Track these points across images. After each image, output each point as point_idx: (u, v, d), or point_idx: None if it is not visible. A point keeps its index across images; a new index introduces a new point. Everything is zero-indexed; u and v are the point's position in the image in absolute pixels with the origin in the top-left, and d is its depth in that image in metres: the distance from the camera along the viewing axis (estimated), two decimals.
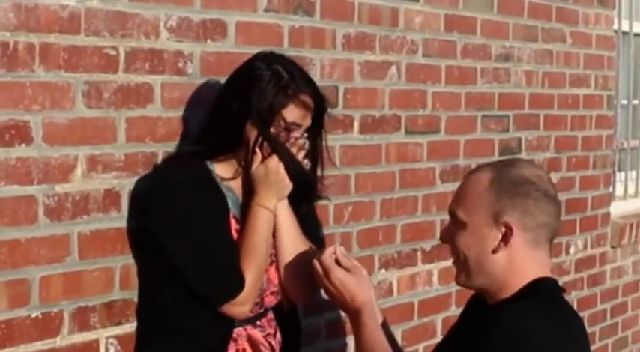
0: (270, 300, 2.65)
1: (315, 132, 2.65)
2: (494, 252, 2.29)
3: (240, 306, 2.51)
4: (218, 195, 2.56)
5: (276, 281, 2.65)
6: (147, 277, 2.65)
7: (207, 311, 2.50)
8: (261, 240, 2.55)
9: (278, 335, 2.71)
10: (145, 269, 2.65)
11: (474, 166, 4.04)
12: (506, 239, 2.28)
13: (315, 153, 2.66)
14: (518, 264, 2.29)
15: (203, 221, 2.50)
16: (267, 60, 2.60)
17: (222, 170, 2.60)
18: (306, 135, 2.61)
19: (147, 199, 2.60)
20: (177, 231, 2.48)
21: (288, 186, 2.59)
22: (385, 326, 2.59)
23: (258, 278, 2.53)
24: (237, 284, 2.49)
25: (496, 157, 4.19)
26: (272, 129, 2.55)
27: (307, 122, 2.60)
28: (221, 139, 2.58)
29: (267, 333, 2.66)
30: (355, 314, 2.49)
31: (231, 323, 2.56)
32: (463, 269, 2.34)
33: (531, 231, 2.28)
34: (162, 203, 2.53)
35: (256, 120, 2.53)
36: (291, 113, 2.55)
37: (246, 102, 2.53)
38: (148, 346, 2.63)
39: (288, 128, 2.57)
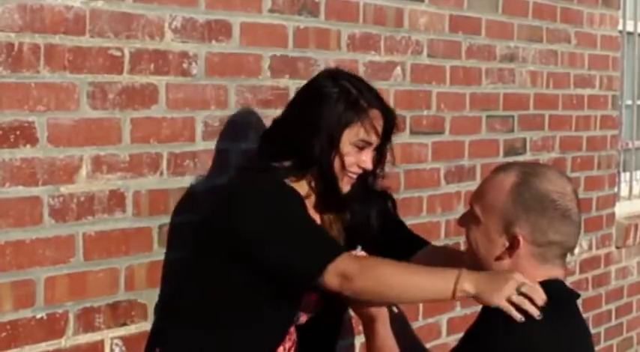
0: (303, 319, 2.62)
1: (383, 146, 2.61)
2: (497, 259, 2.29)
3: (349, 281, 2.34)
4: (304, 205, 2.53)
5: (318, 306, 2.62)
6: (208, 275, 2.56)
7: (270, 307, 2.48)
8: (416, 281, 2.36)
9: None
10: (209, 267, 2.56)
11: (479, 167, 4.06)
12: (511, 250, 2.27)
13: (381, 163, 2.62)
14: (522, 272, 2.27)
15: (298, 213, 2.46)
16: (334, 77, 2.57)
17: (298, 188, 2.56)
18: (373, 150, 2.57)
19: (232, 200, 2.51)
20: (268, 225, 2.42)
21: (501, 291, 2.24)
22: (405, 323, 2.59)
23: (379, 275, 2.36)
24: (338, 249, 2.40)
25: (501, 158, 4.18)
26: (341, 148, 2.51)
27: (376, 139, 2.56)
28: (293, 160, 2.54)
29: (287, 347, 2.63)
30: (369, 322, 2.49)
31: (290, 319, 2.54)
32: (473, 258, 2.35)
33: (541, 246, 2.26)
34: (250, 201, 2.47)
35: (325, 139, 2.49)
36: (361, 130, 2.52)
37: (315, 121, 2.49)
38: (187, 342, 2.55)
39: (358, 146, 2.53)
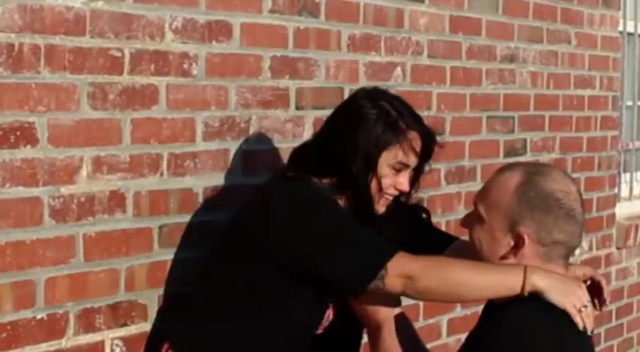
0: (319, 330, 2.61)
1: (421, 166, 2.58)
2: (502, 258, 2.28)
3: (413, 281, 2.31)
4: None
5: (331, 317, 2.60)
6: (233, 278, 2.51)
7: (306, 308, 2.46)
8: (484, 278, 2.29)
9: None
10: (236, 271, 2.50)
11: (479, 168, 4.06)
12: (516, 249, 2.27)
13: (416, 184, 2.59)
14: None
15: (345, 218, 2.43)
16: (372, 97, 2.54)
17: None
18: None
19: (275, 209, 2.45)
20: (317, 233, 2.38)
21: (573, 295, 2.24)
22: (409, 324, 2.59)
23: (446, 274, 2.33)
24: (393, 249, 2.35)
25: (501, 159, 4.18)
26: (379, 170, 2.48)
27: (415, 161, 2.53)
28: (331, 178, 2.50)
29: None
30: (375, 329, 2.49)
31: (317, 324, 2.52)
32: (476, 258, 2.34)
33: (545, 246, 2.27)
34: (295, 209, 2.42)
35: (363, 160, 2.46)
36: (399, 153, 2.49)
37: (353, 142, 2.46)
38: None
39: (395, 168, 2.50)
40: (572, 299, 2.22)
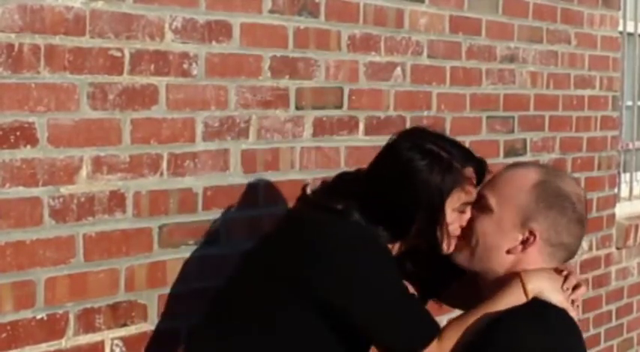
0: None
1: None
2: (508, 252, 2.29)
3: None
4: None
5: None
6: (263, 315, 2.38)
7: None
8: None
9: None
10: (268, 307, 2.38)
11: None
12: (526, 244, 2.28)
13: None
14: (523, 268, 2.28)
15: (398, 281, 2.37)
16: (416, 143, 2.40)
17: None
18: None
19: (323, 252, 2.32)
20: (368, 291, 2.30)
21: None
22: None
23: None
24: (435, 328, 2.35)
25: (501, 159, 4.18)
26: (447, 219, 2.36)
27: (475, 195, 2.42)
28: (386, 229, 2.38)
29: None
30: None
31: None
32: (469, 250, 2.34)
33: (552, 246, 2.29)
34: (349, 259, 2.31)
35: (428, 214, 2.34)
36: (462, 195, 2.37)
37: (415, 198, 2.34)
38: None
39: (460, 210, 2.39)
40: (566, 293, 2.27)
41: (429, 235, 2.37)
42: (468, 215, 2.40)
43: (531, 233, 2.27)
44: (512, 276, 2.27)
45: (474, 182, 2.42)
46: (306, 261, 2.33)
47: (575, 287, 2.33)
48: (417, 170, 2.36)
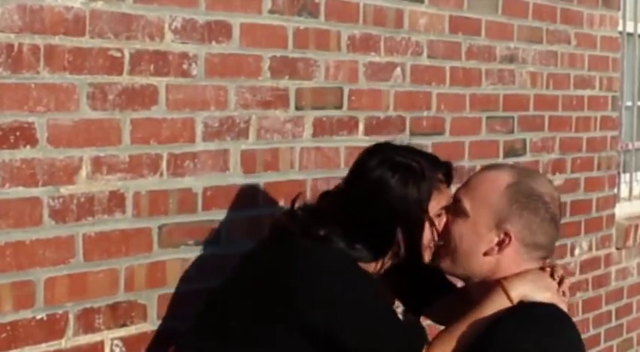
0: None
1: None
2: (486, 254, 2.31)
3: None
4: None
5: None
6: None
7: None
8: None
9: None
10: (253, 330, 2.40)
11: (479, 167, 4.05)
12: (501, 246, 2.29)
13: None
14: (504, 269, 2.30)
15: (382, 303, 2.41)
16: (385, 159, 2.42)
17: (365, 267, 2.45)
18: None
19: (303, 280, 2.34)
20: (354, 317, 2.33)
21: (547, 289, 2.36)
22: None
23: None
24: (421, 341, 2.40)
25: (501, 159, 4.18)
26: (426, 226, 2.39)
27: (451, 197, 2.45)
28: (372, 251, 2.41)
29: None
30: None
31: None
32: (449, 255, 2.36)
33: (527, 246, 2.31)
34: (331, 285, 2.33)
35: (412, 225, 2.37)
36: (441, 198, 2.41)
37: (392, 214, 2.37)
38: None
39: (439, 214, 2.41)
40: (553, 290, 2.31)
41: (412, 247, 2.40)
42: (444, 219, 2.43)
43: (506, 234, 2.29)
44: (495, 285, 2.29)
45: (447, 184, 2.46)
46: (292, 288, 2.34)
47: (561, 280, 2.37)
48: (390, 187, 2.38)
